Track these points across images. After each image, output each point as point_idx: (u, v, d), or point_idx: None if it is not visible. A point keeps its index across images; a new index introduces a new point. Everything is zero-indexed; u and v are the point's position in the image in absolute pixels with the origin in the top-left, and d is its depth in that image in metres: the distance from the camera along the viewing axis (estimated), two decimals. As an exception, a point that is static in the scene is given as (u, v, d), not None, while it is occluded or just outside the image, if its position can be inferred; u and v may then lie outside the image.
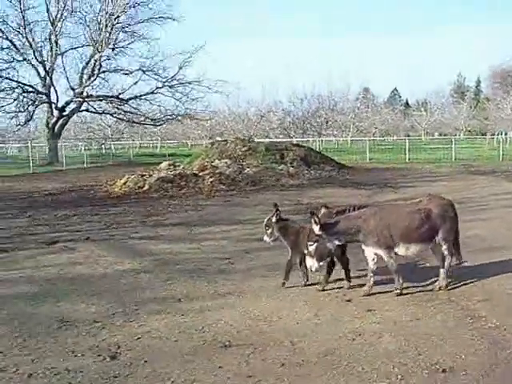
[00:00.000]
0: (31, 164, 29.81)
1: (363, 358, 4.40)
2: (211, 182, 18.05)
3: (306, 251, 6.02)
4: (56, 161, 34.06)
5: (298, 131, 48.34)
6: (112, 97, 34.38)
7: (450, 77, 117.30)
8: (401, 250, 6.10)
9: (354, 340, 4.80)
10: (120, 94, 34.49)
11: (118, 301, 6.07)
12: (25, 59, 34.41)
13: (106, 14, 32.54)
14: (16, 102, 34.14)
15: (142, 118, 36.36)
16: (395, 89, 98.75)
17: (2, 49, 33.59)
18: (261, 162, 22.34)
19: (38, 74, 35.07)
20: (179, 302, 6.04)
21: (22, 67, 35.12)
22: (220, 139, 30.24)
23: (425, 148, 40.66)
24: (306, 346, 4.68)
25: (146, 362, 4.41)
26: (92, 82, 33.77)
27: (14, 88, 34.52)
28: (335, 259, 6.41)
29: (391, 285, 6.20)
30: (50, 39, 34.64)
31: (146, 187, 17.33)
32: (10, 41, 34.02)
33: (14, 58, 34.34)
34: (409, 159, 31.66)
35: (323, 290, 6.31)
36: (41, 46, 34.88)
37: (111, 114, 36.86)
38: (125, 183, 18.04)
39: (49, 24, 34.27)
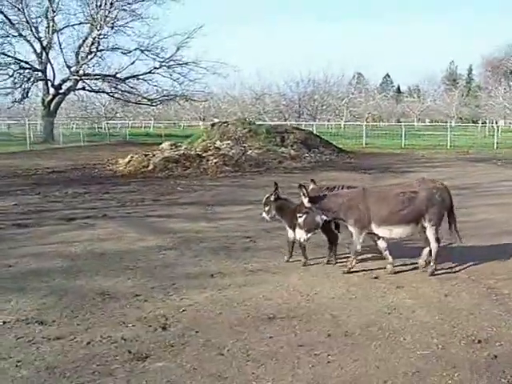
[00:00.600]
0: (28, 141, 29.65)
1: (402, 330, 4.64)
2: (215, 163, 18.21)
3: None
4: (51, 139, 33.88)
5: (293, 115, 48.42)
6: (109, 76, 34.15)
7: (442, 64, 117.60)
8: (384, 231, 6.23)
9: (390, 314, 5.04)
10: (117, 73, 34.25)
11: (152, 276, 6.25)
12: (20, 35, 33.98)
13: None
14: (12, 78, 33.77)
15: (139, 98, 36.18)
16: (387, 74, 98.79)
17: (-3, 23, 33.10)
18: (262, 144, 22.48)
19: (35, 50, 34.68)
20: (212, 277, 6.22)
21: (18, 43, 34.71)
22: (219, 120, 30.28)
23: (418, 134, 41.01)
24: (347, 319, 4.91)
25: (197, 332, 4.60)
26: (89, 60, 33.49)
27: (9, 64, 34.13)
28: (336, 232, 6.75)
29: (415, 263, 6.49)
30: (46, 15, 34.19)
31: (151, 167, 17.45)
32: (5, 15, 33.53)
33: (9, 34, 33.92)
34: (404, 145, 31.94)
35: (328, 263, 6.69)
36: (37, 22, 34.46)
37: (108, 93, 36.63)
38: (129, 162, 18.14)
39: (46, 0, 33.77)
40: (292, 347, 4.31)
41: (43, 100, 35.74)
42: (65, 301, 5.41)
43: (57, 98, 35.61)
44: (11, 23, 33.72)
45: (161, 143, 23.47)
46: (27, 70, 34.91)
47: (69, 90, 36.02)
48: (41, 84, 36.22)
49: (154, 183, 14.76)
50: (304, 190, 6.10)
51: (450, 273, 6.38)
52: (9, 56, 33.96)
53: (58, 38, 35.30)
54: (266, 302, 5.34)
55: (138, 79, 34.99)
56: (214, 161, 18.38)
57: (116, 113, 49.40)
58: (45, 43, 34.56)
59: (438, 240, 6.29)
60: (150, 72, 34.60)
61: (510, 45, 66.19)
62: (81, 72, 34.70)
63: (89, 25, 33.81)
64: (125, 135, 39.07)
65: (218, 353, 4.21)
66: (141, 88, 36.09)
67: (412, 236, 6.68)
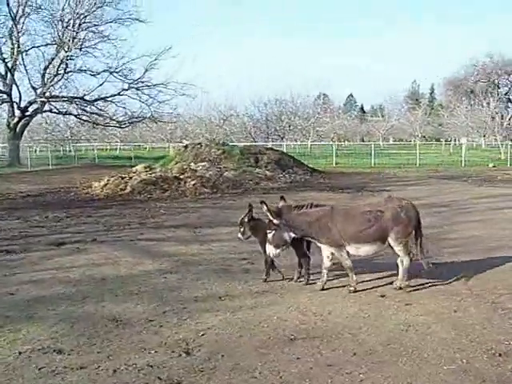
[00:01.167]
0: (-5, 165, 28.97)
1: (423, 346, 4.73)
2: (193, 184, 18.15)
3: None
4: (18, 162, 33.14)
5: (261, 135, 48.80)
6: (77, 98, 33.73)
7: (405, 84, 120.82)
8: (352, 249, 6.39)
9: (407, 331, 5.13)
10: (85, 95, 33.89)
11: (160, 300, 6.18)
12: (-17, 56, 33.28)
13: (73, 12, 31.94)
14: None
15: (107, 120, 35.82)
16: (351, 94, 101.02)
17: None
18: (237, 165, 22.55)
19: (-1, 72, 34.01)
20: (221, 300, 6.20)
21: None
22: (191, 142, 30.22)
23: (385, 153, 41.92)
24: (366, 337, 4.97)
25: (222, 356, 4.57)
26: (56, 82, 33.02)
27: (-28, 86, 33.34)
28: (308, 254, 6.90)
29: (420, 281, 6.64)
30: (11, 36, 33.63)
31: (129, 189, 17.29)
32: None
33: (-29, 55, 33.15)
34: (374, 164, 32.58)
35: (307, 284, 6.73)
36: (1, 43, 33.83)
37: (75, 116, 36.11)
38: (105, 185, 17.92)
39: (10, 20, 33.24)
40: (321, 367, 4.33)
41: (8, 123, 34.98)
42: (77, 328, 5.29)
43: (23, 121, 34.91)
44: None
45: (131, 166, 23.32)
46: (-9, 93, 34.16)
47: (35, 112, 35.38)
48: (6, 106, 35.46)
49: (135, 206, 14.59)
50: (266, 206, 6.32)
51: (453, 288, 6.53)
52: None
53: (23, 59, 34.73)
54: (283, 323, 5.35)
55: (107, 101, 34.70)
56: (192, 183, 18.32)
57: (82, 135, 48.66)
58: (10, 64, 33.92)
59: (408, 255, 6.38)
60: (118, 94, 34.38)
61: (469, 65, 68.81)
62: (47, 94, 34.16)
63: (55, 46, 33.41)
64: (93, 158, 38.51)
65: (251, 376, 4.20)
66: (109, 110, 35.83)
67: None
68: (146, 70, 34.30)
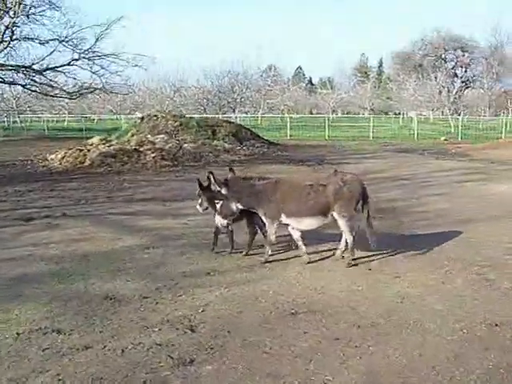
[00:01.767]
0: None
1: (423, 318, 4.86)
2: (153, 157, 17.83)
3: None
4: (-42, 133, 31.42)
5: (213, 107, 48.20)
6: (24, 67, 32.01)
7: (353, 57, 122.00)
8: (293, 222, 6.52)
9: (403, 303, 5.26)
10: (33, 64, 32.20)
11: (149, 277, 6.06)
12: None
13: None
14: None
15: (57, 91, 34.25)
16: (299, 67, 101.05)
17: None
18: (194, 137, 22.18)
19: None
20: (210, 275, 6.13)
21: None
22: (147, 114, 29.46)
23: (336, 126, 42.37)
24: (366, 310, 5.06)
25: (229, 332, 4.55)
26: (2, 50, 31.18)
27: None
28: (256, 227, 7.05)
29: (404, 253, 6.82)
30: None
31: (88, 162, 16.80)
32: None
33: None
34: (328, 136, 32.92)
35: (246, 255, 6.88)
36: None
37: (23, 86, 34.32)
38: (63, 158, 17.33)
39: None
40: (329, 341, 4.39)
41: None
42: (71, 307, 5.13)
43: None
44: None
45: (82, 138, 22.56)
46: None
47: (-21, 81, 33.39)
48: None
49: (97, 179, 14.18)
50: (211, 175, 6.51)
51: (437, 260, 6.70)
52: None
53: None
54: (281, 298, 5.37)
55: (56, 71, 33.07)
56: (152, 155, 17.97)
57: (29, 106, 46.53)
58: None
59: (351, 230, 6.40)
60: (68, 64, 32.81)
61: (417, 40, 70.11)
62: (-9, 62, 32.28)
63: (0, 12, 31.45)
64: (42, 129, 36.96)
65: (262, 351, 4.20)
66: (58, 80, 34.19)
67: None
68: (97, 40, 32.64)
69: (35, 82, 32.34)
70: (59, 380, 3.75)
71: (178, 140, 20.94)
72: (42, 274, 6.09)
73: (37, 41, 31.19)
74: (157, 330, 4.60)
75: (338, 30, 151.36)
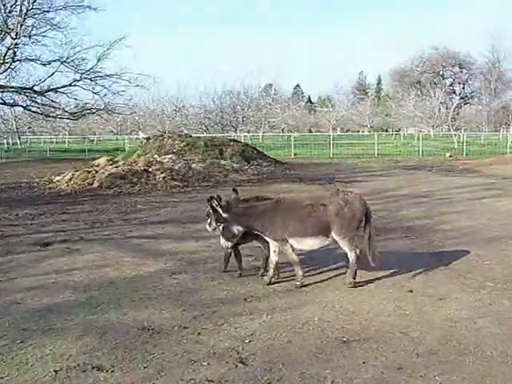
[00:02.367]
0: None
1: (482, 343, 4.61)
2: (163, 178, 17.61)
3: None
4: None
5: (215, 127, 48.15)
6: (26, 88, 31.96)
7: (351, 75, 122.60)
8: (294, 242, 6.32)
9: (455, 327, 5.00)
10: (35, 85, 32.16)
11: (183, 305, 5.78)
12: None
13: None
14: None
15: (59, 112, 34.17)
16: (298, 85, 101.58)
17: None
18: (202, 157, 22.02)
19: None
20: (248, 301, 5.87)
21: None
22: (152, 134, 29.35)
23: (339, 143, 42.29)
24: (420, 336, 4.80)
25: (283, 364, 4.27)
26: (4, 71, 31.14)
27: None
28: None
29: (441, 272, 6.56)
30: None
31: (97, 184, 16.55)
32: None
33: None
34: (333, 154, 32.79)
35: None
36: None
37: (24, 107, 34.25)
38: (70, 179, 17.07)
39: None
40: (392, 371, 4.13)
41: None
42: (108, 340, 4.84)
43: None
44: None
45: (84, 159, 22.35)
46: None
47: (-20, 103, 33.29)
48: None
49: (108, 201, 13.93)
50: (214, 201, 6.34)
51: (473, 281, 6.46)
52: None
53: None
54: (328, 325, 5.10)
55: (58, 92, 33.04)
56: (162, 175, 17.75)
57: (29, 127, 46.40)
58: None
59: (353, 250, 6.22)
60: (70, 85, 32.81)
61: (416, 56, 70.64)
62: (-7, 84, 32.20)
63: (2, 33, 31.47)
64: (43, 151, 36.76)
65: (325, 385, 3.93)
66: (60, 101, 34.14)
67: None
68: (99, 60, 32.72)
69: (37, 103, 32.29)
70: (112, 423, 3.47)
71: (186, 160, 20.75)
72: (71, 304, 5.81)
73: (38, 62, 31.19)
74: (205, 364, 4.32)
75: (336, 46, 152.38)
